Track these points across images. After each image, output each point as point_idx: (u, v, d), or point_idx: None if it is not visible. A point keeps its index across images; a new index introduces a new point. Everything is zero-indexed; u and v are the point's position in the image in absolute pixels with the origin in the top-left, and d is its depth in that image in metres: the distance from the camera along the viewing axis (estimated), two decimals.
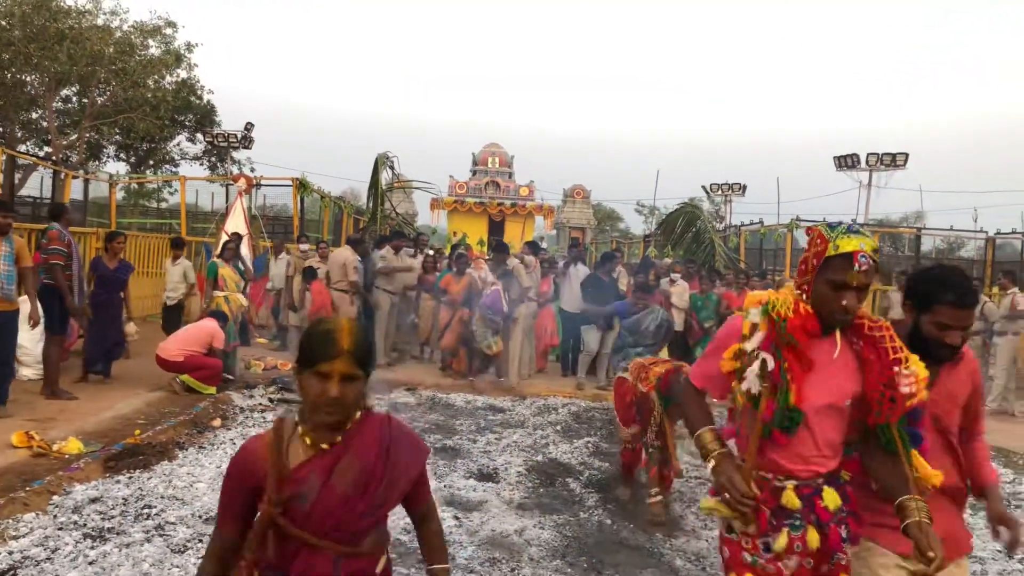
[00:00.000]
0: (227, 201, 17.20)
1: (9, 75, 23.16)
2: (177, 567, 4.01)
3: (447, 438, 7.21)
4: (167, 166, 28.61)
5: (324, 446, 1.91)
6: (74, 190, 14.69)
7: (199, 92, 27.09)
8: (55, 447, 5.83)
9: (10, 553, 4.03)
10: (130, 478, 5.35)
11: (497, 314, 9.70)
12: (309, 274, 11.16)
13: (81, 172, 18.39)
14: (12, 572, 3.83)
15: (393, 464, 1.94)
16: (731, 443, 2.40)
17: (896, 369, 2.20)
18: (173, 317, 10.33)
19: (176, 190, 21.90)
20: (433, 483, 4.14)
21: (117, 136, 26.65)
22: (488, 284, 10.38)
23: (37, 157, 19.68)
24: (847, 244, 2.13)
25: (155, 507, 4.84)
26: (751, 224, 20.72)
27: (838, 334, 2.25)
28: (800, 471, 2.24)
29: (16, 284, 6.80)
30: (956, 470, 2.57)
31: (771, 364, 2.18)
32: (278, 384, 8.81)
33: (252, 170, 26.80)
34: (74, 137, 25.42)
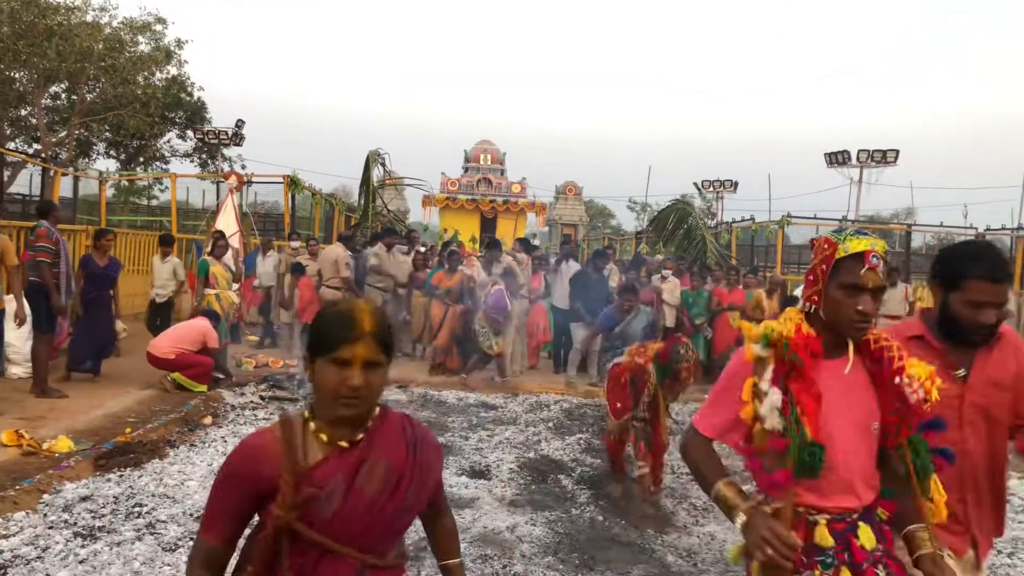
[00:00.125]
0: (218, 198, 17.14)
1: None
2: (168, 565, 4.00)
3: (439, 435, 7.21)
4: (157, 163, 28.54)
5: (344, 444, 1.71)
6: (63, 187, 14.62)
7: (189, 89, 27.04)
8: (45, 445, 5.81)
9: (0, 552, 4.02)
10: (121, 476, 5.34)
11: (501, 314, 9.73)
12: (297, 269, 11.20)
13: (70, 169, 18.31)
14: (2, 571, 3.82)
15: (421, 464, 1.79)
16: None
17: (898, 380, 2.06)
18: (163, 315, 10.30)
19: (166, 187, 21.83)
20: None
21: (107, 133, 26.57)
22: (480, 282, 10.39)
23: (26, 154, 19.54)
24: (857, 244, 2.03)
25: (146, 505, 4.83)
26: (742, 221, 20.76)
27: (851, 350, 2.10)
28: (832, 506, 2.06)
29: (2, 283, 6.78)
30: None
31: (778, 400, 1.99)
32: (269, 382, 8.79)
33: (243, 167, 26.79)
34: (63, 134, 25.31)
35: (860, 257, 2.01)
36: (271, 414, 7.62)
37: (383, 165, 17.39)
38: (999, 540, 2.66)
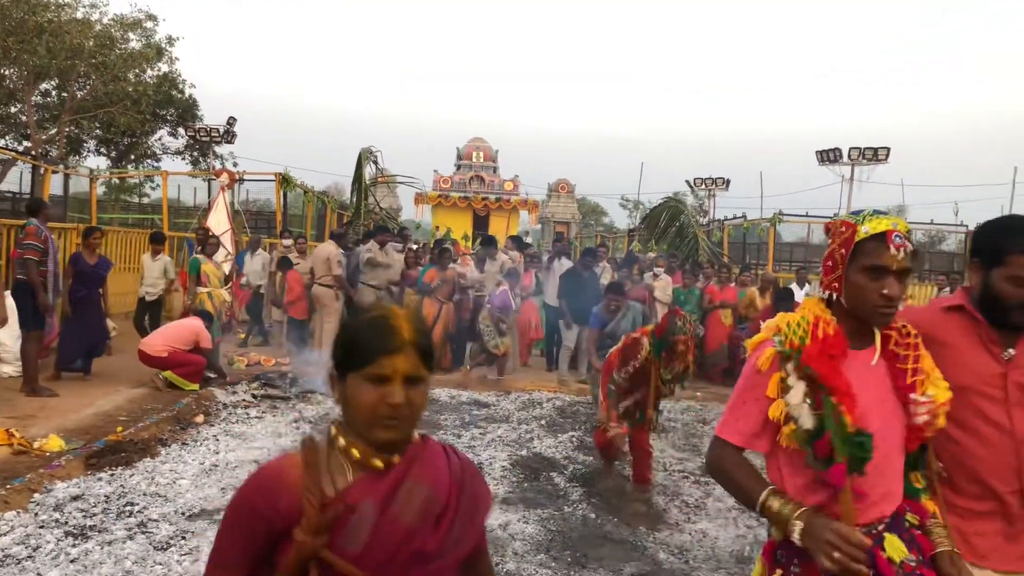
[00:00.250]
0: (210, 196, 17.09)
1: None
2: (160, 564, 3.99)
3: (432, 433, 7.18)
4: (148, 161, 28.44)
5: (378, 463, 1.47)
6: (54, 185, 14.53)
7: (181, 86, 26.93)
8: (36, 444, 5.79)
9: None
10: (112, 475, 5.33)
11: (506, 313, 9.77)
12: (284, 264, 11.24)
13: (61, 167, 18.21)
14: None
15: (468, 496, 1.55)
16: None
17: (912, 396, 1.89)
18: (153, 313, 10.27)
19: (158, 185, 21.78)
20: None
21: (97, 130, 26.45)
22: (470, 279, 10.41)
23: (16, 152, 19.43)
24: (878, 224, 1.86)
25: (137, 504, 4.82)
26: (734, 218, 20.84)
27: (878, 340, 1.94)
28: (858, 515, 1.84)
29: None
30: None
31: (806, 393, 1.84)
32: (261, 380, 8.77)
33: (235, 165, 26.63)
34: (54, 132, 25.18)
35: (882, 237, 1.85)
36: (263, 412, 7.61)
37: (375, 163, 17.36)
38: None
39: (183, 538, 4.33)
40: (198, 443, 6.34)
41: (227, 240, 12.45)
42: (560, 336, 10.94)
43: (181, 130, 27.43)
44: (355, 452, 1.47)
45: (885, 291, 1.84)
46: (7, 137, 26.25)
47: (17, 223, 8.98)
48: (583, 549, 4.66)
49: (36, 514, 4.56)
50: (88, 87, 24.41)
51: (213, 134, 25.11)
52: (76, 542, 4.19)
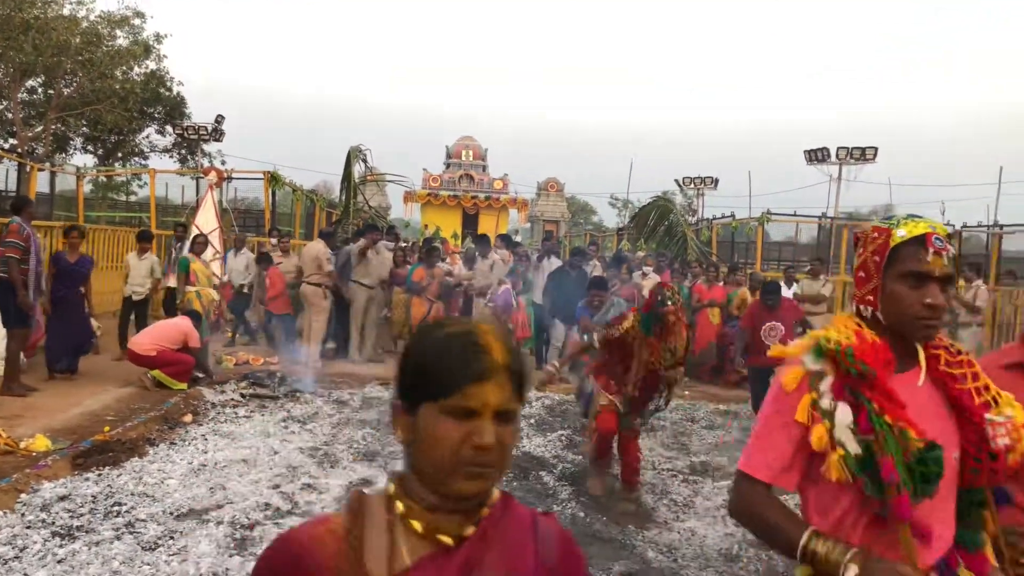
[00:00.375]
0: (197, 194, 17.00)
1: None
2: (147, 564, 3.97)
3: None
4: (136, 159, 28.29)
5: (447, 539, 1.15)
6: (40, 183, 14.45)
7: (168, 83, 26.78)
8: (22, 444, 5.75)
9: None
10: (99, 475, 5.30)
11: (508, 313, 9.77)
12: (265, 259, 11.26)
13: (47, 165, 18.09)
14: None
15: None
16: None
17: (987, 416, 1.67)
18: (140, 312, 10.23)
19: (145, 183, 21.58)
20: None
21: (84, 128, 26.30)
22: (457, 276, 10.42)
23: (2, 149, 19.29)
24: (915, 228, 1.67)
25: (125, 504, 4.80)
26: (723, 217, 20.89)
27: (923, 359, 1.72)
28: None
29: None
30: None
31: (850, 415, 1.61)
32: (250, 379, 8.74)
33: (223, 163, 26.52)
34: (40, 129, 25.01)
35: (921, 240, 1.66)
36: (251, 412, 7.58)
37: (364, 161, 17.33)
38: None
39: (171, 538, 4.31)
40: (186, 443, 6.31)
41: (215, 239, 12.39)
42: (549, 335, 10.97)
43: (169, 128, 27.30)
44: (416, 526, 1.14)
45: (928, 300, 1.65)
46: None
47: (1, 221, 8.92)
48: None
49: (23, 514, 4.53)
50: (75, 84, 24.26)
51: (201, 132, 24.99)
52: (63, 542, 4.17)
